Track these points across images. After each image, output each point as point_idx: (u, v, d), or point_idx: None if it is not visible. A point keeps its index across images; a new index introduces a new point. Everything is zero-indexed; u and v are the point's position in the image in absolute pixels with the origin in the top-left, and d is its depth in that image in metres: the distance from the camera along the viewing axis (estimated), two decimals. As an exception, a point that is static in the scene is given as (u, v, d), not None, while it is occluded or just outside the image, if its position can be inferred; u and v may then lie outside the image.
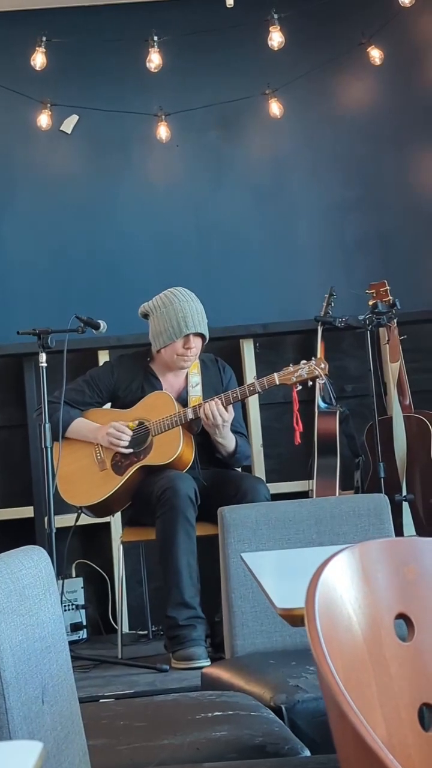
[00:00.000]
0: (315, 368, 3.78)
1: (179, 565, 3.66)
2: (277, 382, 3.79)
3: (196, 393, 4.00)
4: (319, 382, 4.15)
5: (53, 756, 1.44)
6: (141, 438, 3.91)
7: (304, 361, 3.82)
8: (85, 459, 3.98)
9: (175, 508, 3.66)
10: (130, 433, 3.89)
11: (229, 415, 3.81)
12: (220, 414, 3.77)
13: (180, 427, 3.84)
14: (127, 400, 4.02)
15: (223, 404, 3.78)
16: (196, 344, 3.94)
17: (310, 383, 3.84)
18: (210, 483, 3.86)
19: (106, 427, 3.91)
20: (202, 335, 3.95)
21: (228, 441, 3.87)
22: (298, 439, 3.88)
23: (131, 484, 3.90)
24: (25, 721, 1.36)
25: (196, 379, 4.04)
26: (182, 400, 3.99)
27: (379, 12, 5.22)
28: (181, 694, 2.34)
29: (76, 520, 4.03)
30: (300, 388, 3.82)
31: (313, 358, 3.86)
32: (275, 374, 3.81)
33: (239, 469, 4.14)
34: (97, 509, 3.99)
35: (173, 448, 3.82)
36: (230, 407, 3.81)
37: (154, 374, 4.05)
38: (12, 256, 5.16)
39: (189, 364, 4.00)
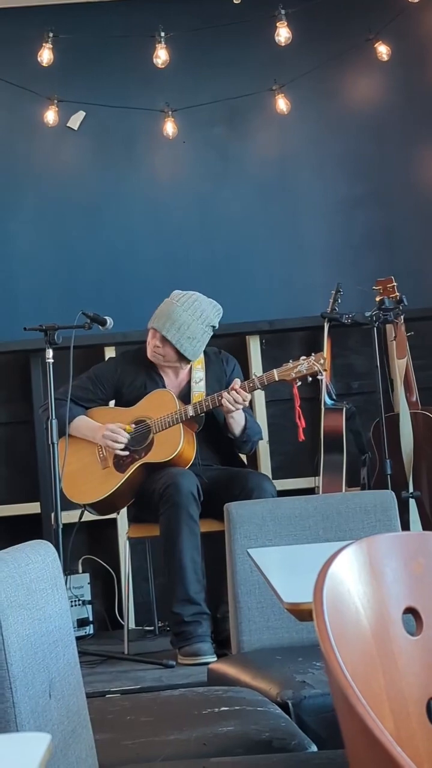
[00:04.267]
0: (315, 364, 3.76)
1: (183, 561, 3.66)
2: (276, 378, 3.78)
3: (199, 389, 4.00)
4: (318, 378, 4.13)
5: (60, 750, 1.44)
6: (142, 436, 3.91)
7: (303, 357, 3.81)
8: (87, 457, 3.99)
9: (177, 505, 3.66)
10: (127, 435, 3.89)
11: (247, 395, 3.80)
12: (240, 399, 3.76)
13: (181, 424, 3.84)
14: (131, 396, 4.02)
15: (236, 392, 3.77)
16: (158, 343, 3.93)
17: (310, 379, 3.82)
18: (216, 480, 3.86)
19: (102, 427, 3.92)
20: (165, 338, 3.92)
21: (239, 417, 3.86)
22: (301, 436, 3.87)
23: (133, 482, 3.91)
24: (33, 715, 1.36)
25: (200, 374, 4.04)
26: (185, 395, 3.99)
27: (386, 8, 5.20)
28: (188, 689, 2.34)
29: (80, 517, 4.03)
30: (300, 384, 3.80)
31: (312, 354, 3.84)
32: (275, 370, 3.80)
33: (244, 458, 4.15)
34: (99, 507, 4.00)
35: (174, 446, 3.82)
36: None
37: (156, 371, 4.05)
38: (18, 252, 5.16)
39: (156, 361, 4.00)
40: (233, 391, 3.76)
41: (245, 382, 3.83)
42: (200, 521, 3.73)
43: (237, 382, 3.81)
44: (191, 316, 3.91)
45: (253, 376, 3.85)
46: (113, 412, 4.03)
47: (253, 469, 4.37)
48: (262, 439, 4.17)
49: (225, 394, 3.78)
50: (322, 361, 3.77)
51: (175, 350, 3.94)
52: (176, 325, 3.90)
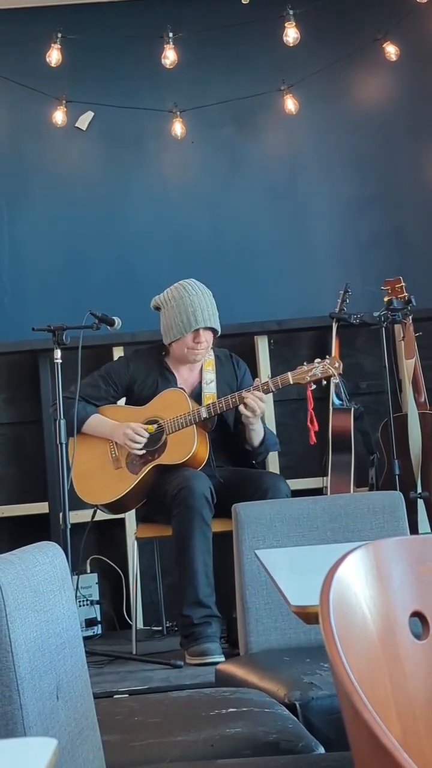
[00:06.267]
0: (329, 367, 3.76)
1: (195, 564, 3.65)
2: (291, 381, 3.78)
3: (210, 390, 3.99)
4: (332, 381, 4.12)
5: (67, 752, 1.44)
6: (155, 437, 3.90)
7: (318, 360, 3.80)
8: (100, 457, 3.98)
9: (190, 508, 3.66)
10: (147, 435, 3.88)
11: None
12: (261, 400, 3.76)
13: (194, 425, 3.84)
14: (142, 395, 4.01)
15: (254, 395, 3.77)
16: (207, 338, 3.93)
17: (324, 382, 3.83)
18: (230, 481, 3.85)
19: (123, 425, 3.91)
20: (212, 329, 3.94)
21: (260, 428, 3.87)
22: (313, 439, 3.87)
23: (146, 483, 3.90)
24: (40, 717, 1.36)
25: (210, 375, 4.03)
26: (196, 395, 3.99)
27: (394, 8, 5.20)
28: (196, 690, 2.34)
29: (93, 517, 4.04)
30: (314, 387, 3.80)
31: (327, 357, 3.84)
32: (289, 373, 3.80)
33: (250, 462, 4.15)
34: (111, 507, 3.99)
35: (187, 448, 3.82)
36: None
37: (168, 369, 4.05)
38: (27, 252, 5.17)
39: (200, 358, 4.00)
40: (255, 392, 3.76)
41: (259, 384, 3.83)
42: (216, 521, 3.72)
43: (257, 381, 3.82)
44: (210, 295, 3.94)
45: (267, 379, 3.84)
46: (125, 411, 4.02)
47: (263, 469, 4.36)
48: (279, 450, 4.16)
49: (247, 393, 3.77)
50: (336, 364, 3.77)
51: (215, 335, 3.97)
52: (213, 309, 3.91)
